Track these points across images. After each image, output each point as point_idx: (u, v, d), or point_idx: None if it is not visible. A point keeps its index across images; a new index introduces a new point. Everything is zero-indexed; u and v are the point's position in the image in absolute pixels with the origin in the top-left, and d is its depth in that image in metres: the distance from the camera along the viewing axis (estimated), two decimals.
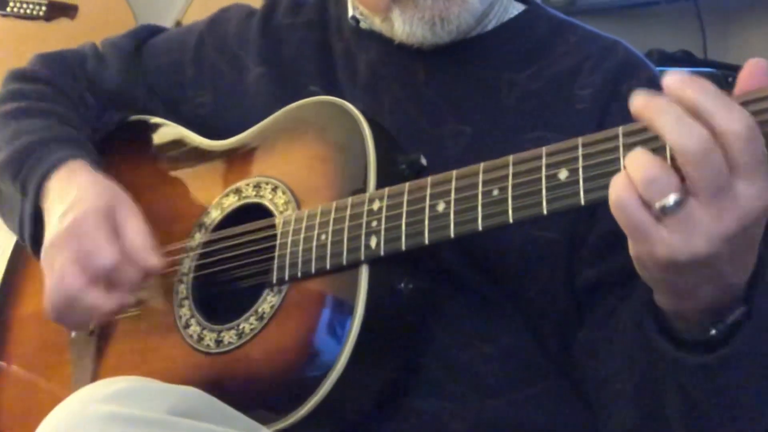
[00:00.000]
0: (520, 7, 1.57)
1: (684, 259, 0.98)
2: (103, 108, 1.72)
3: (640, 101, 0.97)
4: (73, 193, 1.44)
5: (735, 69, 3.07)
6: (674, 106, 0.96)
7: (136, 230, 1.41)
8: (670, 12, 3.84)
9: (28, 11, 3.11)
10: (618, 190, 0.98)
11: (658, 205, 0.96)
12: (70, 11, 3.17)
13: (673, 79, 0.97)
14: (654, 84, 1.42)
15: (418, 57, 1.49)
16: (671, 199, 0.95)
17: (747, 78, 0.98)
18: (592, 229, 1.36)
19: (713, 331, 1.08)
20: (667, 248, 0.97)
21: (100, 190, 1.45)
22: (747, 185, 0.95)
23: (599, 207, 1.32)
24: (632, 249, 1.03)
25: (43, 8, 3.14)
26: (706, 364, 1.09)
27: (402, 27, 1.44)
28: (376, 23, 1.51)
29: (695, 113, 0.95)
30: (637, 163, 0.97)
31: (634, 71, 1.46)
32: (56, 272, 1.39)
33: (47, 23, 3.14)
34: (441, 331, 1.36)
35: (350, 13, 1.58)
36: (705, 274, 1.01)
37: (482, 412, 1.34)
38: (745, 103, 0.96)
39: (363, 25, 1.57)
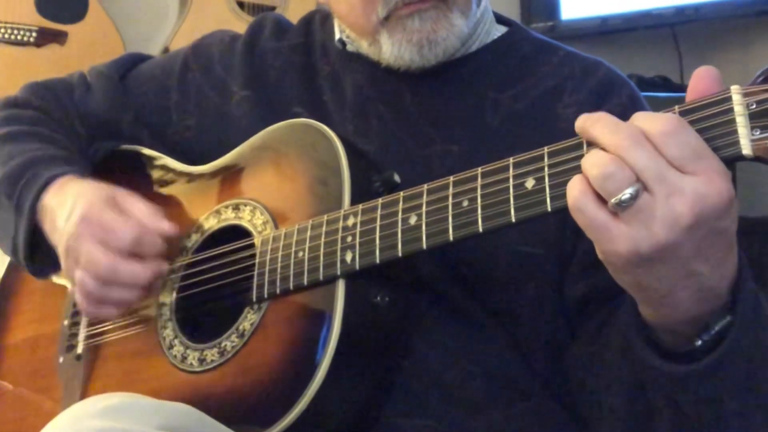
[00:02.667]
0: (502, 29, 1.58)
1: (647, 249, 0.97)
2: (91, 137, 1.72)
3: (579, 120, 1.03)
4: (70, 199, 1.44)
5: None
6: (608, 116, 1.01)
7: (139, 206, 1.42)
8: (648, 38, 3.87)
9: (19, 37, 3.12)
10: (574, 192, 1.00)
11: (614, 200, 0.97)
12: (59, 37, 3.18)
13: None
14: (635, 102, 1.45)
15: (404, 79, 1.50)
16: (627, 192, 0.96)
17: (696, 84, 1.01)
18: (579, 243, 1.36)
19: (699, 342, 1.08)
20: (629, 241, 0.98)
21: (95, 187, 1.46)
22: (689, 176, 0.96)
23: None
24: (598, 251, 1.03)
25: (34, 34, 3.15)
26: (692, 373, 1.09)
27: (390, 50, 1.45)
28: (364, 46, 1.52)
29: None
30: (592, 162, 0.99)
31: (616, 90, 1.47)
32: (85, 259, 1.38)
33: (38, 49, 3.15)
34: (425, 348, 1.36)
35: (337, 36, 1.59)
36: (674, 270, 1.00)
37: (466, 430, 1.34)
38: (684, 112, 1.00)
39: (350, 47, 1.58)
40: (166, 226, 1.41)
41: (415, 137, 1.47)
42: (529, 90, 1.48)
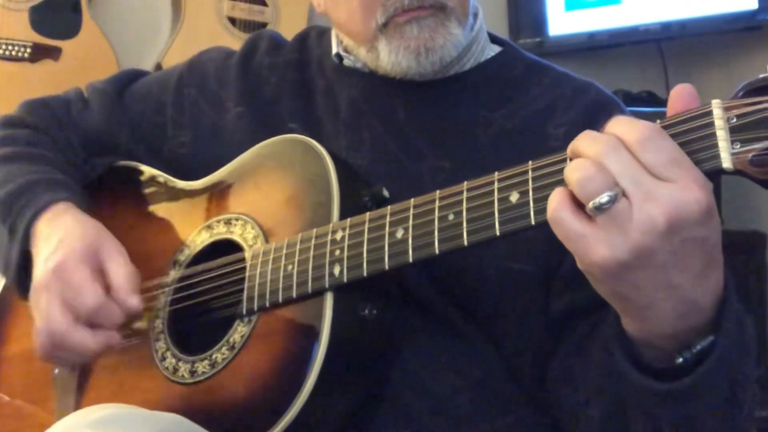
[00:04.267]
0: (496, 49, 1.59)
1: (623, 255, 0.97)
2: (89, 153, 1.72)
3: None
4: (57, 235, 1.44)
5: None
6: (590, 131, 1.02)
7: (118, 270, 1.42)
8: (635, 54, 3.89)
9: (13, 53, 3.13)
10: (553, 204, 1.00)
11: (592, 204, 0.97)
12: (54, 53, 3.19)
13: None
14: None
15: (398, 94, 1.51)
16: (605, 196, 0.96)
17: (675, 102, 1.02)
18: (564, 259, 1.36)
19: (680, 360, 1.07)
20: (606, 248, 0.98)
21: (84, 231, 1.45)
22: (665, 182, 0.97)
23: None
24: (578, 262, 1.03)
25: (28, 50, 3.16)
26: (670, 391, 1.08)
27: (387, 57, 1.45)
28: (362, 54, 1.52)
29: None
30: (573, 167, 1.00)
31: (607, 110, 1.46)
32: (43, 313, 1.39)
33: (32, 65, 3.16)
34: (414, 361, 1.36)
35: (334, 50, 1.60)
36: (653, 279, 1.00)
37: None
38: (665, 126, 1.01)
39: (346, 62, 1.58)
40: (133, 303, 1.40)
41: (407, 152, 1.48)
42: (521, 109, 1.49)
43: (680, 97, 1.02)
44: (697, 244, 0.99)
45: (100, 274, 1.41)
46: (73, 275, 1.39)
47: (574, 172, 0.99)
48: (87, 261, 1.41)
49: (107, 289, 1.41)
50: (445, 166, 1.44)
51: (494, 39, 1.62)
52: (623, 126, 1.00)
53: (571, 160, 1.04)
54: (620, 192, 0.97)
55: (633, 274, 1.00)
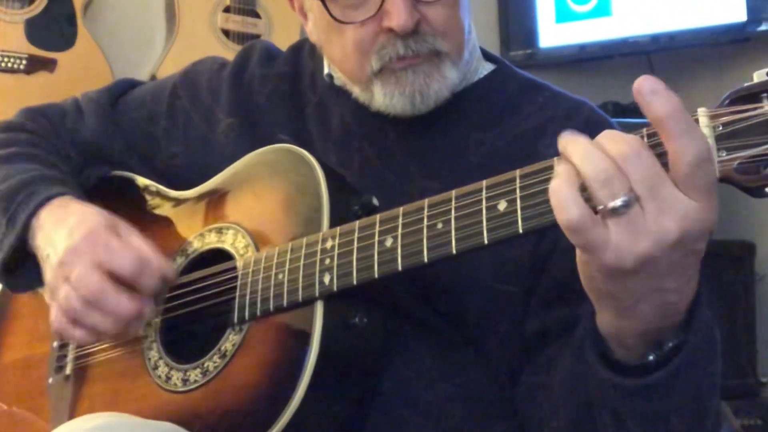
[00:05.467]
0: (489, 67, 1.58)
1: (630, 264, 0.97)
2: (83, 162, 1.72)
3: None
4: (73, 217, 1.43)
5: None
6: (613, 130, 1.01)
7: (140, 242, 1.40)
8: (625, 65, 3.89)
9: (9, 64, 3.14)
10: (570, 212, 0.97)
11: (609, 206, 0.96)
12: (49, 65, 3.19)
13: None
14: None
15: (389, 117, 1.49)
16: (619, 201, 0.95)
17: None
18: (541, 280, 1.37)
19: (651, 357, 1.09)
20: (615, 255, 0.97)
21: (97, 212, 1.45)
22: (683, 195, 0.96)
23: (549, 259, 1.36)
24: (580, 259, 1.02)
25: (24, 62, 3.16)
26: (641, 386, 1.09)
27: (382, 100, 1.45)
28: (356, 91, 1.51)
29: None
30: (594, 163, 0.98)
31: (598, 130, 1.44)
32: (76, 277, 1.36)
33: (28, 76, 3.17)
34: (405, 370, 1.37)
35: (326, 70, 1.59)
36: (646, 283, 1.00)
37: None
38: (651, 134, 1.00)
39: (337, 82, 1.58)
40: (167, 264, 1.39)
41: (397, 174, 1.48)
42: (513, 128, 1.49)
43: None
44: (695, 256, 1.01)
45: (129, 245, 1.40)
46: (108, 240, 1.37)
47: (594, 170, 0.97)
48: (113, 233, 1.40)
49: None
50: (434, 186, 1.41)
51: (487, 56, 1.61)
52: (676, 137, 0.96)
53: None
54: (634, 197, 0.96)
55: (630, 278, 1.00)
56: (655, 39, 3.72)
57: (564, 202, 0.98)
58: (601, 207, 0.97)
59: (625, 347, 1.10)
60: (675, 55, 3.80)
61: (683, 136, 0.95)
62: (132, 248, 1.38)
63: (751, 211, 3.69)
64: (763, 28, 3.54)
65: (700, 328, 1.07)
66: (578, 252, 1.02)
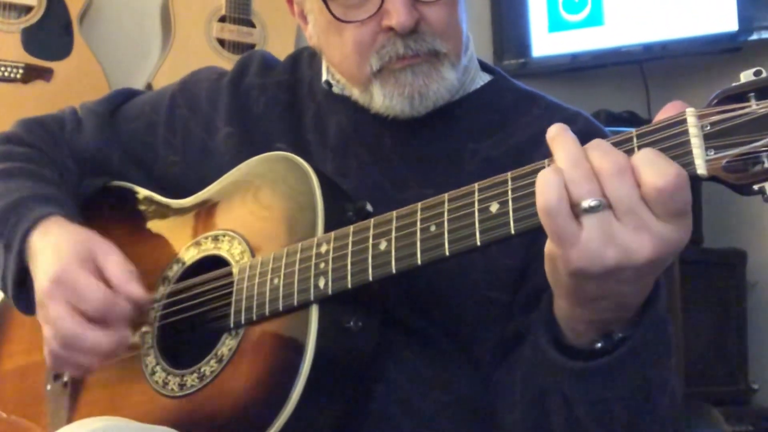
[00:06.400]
0: (486, 77, 1.59)
1: (595, 270, 1.00)
2: (82, 172, 1.72)
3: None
4: (50, 247, 1.44)
5: None
6: (603, 141, 1.04)
7: (114, 266, 1.41)
8: (617, 74, 3.91)
9: (6, 74, 3.13)
10: (549, 197, 1.00)
11: (582, 204, 0.98)
12: (45, 74, 3.19)
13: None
14: None
15: (386, 124, 1.50)
16: (596, 200, 0.98)
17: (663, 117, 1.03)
18: (523, 286, 1.39)
19: (599, 344, 1.12)
20: (580, 257, 1.00)
21: (75, 238, 1.45)
22: (664, 223, 0.98)
23: (531, 264, 1.37)
24: (548, 248, 1.04)
25: (20, 71, 3.16)
26: (584, 369, 1.12)
27: (381, 100, 1.46)
28: (355, 93, 1.52)
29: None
30: (573, 163, 1.01)
31: (593, 140, 1.47)
32: (51, 321, 1.38)
33: (24, 85, 3.16)
34: (399, 377, 1.37)
35: (324, 77, 1.60)
36: (608, 288, 1.03)
37: None
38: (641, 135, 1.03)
39: (335, 89, 1.58)
40: (136, 291, 1.40)
41: (392, 181, 1.49)
42: (508, 139, 1.49)
43: (669, 113, 1.03)
44: (661, 267, 1.04)
45: (100, 274, 1.41)
46: (76, 279, 1.38)
47: (571, 169, 1.00)
48: (84, 264, 1.40)
49: (109, 286, 1.40)
50: (429, 193, 1.41)
51: (484, 67, 1.62)
52: (648, 162, 0.99)
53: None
54: (606, 204, 0.98)
55: (592, 282, 1.03)
56: (648, 48, 3.72)
57: (545, 185, 1.00)
58: (576, 205, 0.99)
59: (576, 332, 1.13)
60: (667, 64, 3.82)
61: (653, 164, 0.98)
62: (97, 284, 1.38)
63: (743, 219, 3.71)
64: (754, 37, 3.55)
65: (651, 324, 1.10)
66: (548, 242, 1.03)
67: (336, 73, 1.56)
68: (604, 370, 1.11)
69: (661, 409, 1.18)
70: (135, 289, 1.40)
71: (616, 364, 1.11)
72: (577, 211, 0.99)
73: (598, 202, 0.98)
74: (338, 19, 1.44)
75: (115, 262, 1.42)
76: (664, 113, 1.03)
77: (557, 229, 1.00)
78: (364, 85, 1.48)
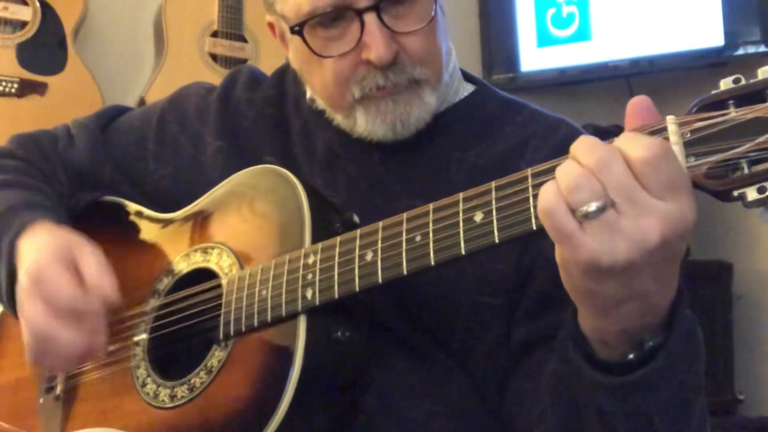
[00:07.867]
0: (469, 88, 1.59)
1: (606, 264, 0.96)
2: (74, 187, 1.72)
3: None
4: (33, 249, 1.43)
5: None
6: (589, 136, 1.01)
7: (88, 262, 1.40)
8: (604, 89, 3.92)
9: (1, 88, 3.15)
10: (548, 196, 0.98)
11: (581, 210, 0.96)
12: (40, 88, 3.21)
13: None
14: None
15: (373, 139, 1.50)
16: (593, 206, 0.95)
17: (632, 116, 1.03)
18: (527, 291, 1.38)
19: (631, 356, 1.08)
20: (589, 252, 0.96)
21: (55, 238, 1.44)
22: (662, 201, 0.96)
23: (532, 271, 1.36)
24: (558, 254, 1.01)
25: (15, 86, 3.18)
26: (620, 384, 1.08)
27: (364, 126, 1.46)
28: (338, 119, 1.52)
29: None
30: (564, 171, 0.98)
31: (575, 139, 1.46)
32: (28, 318, 1.37)
33: (19, 99, 3.18)
34: (389, 386, 1.37)
35: (308, 94, 1.59)
36: (627, 286, 0.99)
37: None
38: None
39: (320, 105, 1.57)
40: (108, 289, 1.38)
41: (381, 194, 1.49)
42: (493, 147, 1.49)
43: (637, 110, 1.03)
44: (675, 257, 1.00)
45: (75, 272, 1.39)
46: (49, 275, 1.37)
47: (563, 178, 0.98)
48: (60, 260, 1.39)
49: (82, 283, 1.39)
50: (418, 205, 1.41)
51: (467, 77, 1.62)
52: (630, 142, 0.97)
53: (532, 176, 1.07)
54: (609, 202, 0.96)
55: (609, 279, 0.99)
56: (635, 63, 3.75)
57: (545, 192, 0.98)
58: (575, 212, 0.97)
59: (606, 345, 1.09)
60: (654, 79, 3.82)
61: (635, 140, 0.97)
62: (69, 283, 1.37)
63: (728, 231, 3.72)
64: (740, 52, 3.58)
65: (682, 329, 1.07)
66: (556, 248, 1.01)
67: (319, 100, 1.56)
68: (641, 384, 1.07)
69: (698, 409, 1.15)
70: (104, 282, 1.38)
71: (653, 375, 1.07)
72: (577, 218, 0.97)
73: (595, 207, 0.95)
74: (317, 54, 1.44)
75: (89, 258, 1.41)
76: (636, 112, 1.03)
77: (558, 229, 0.98)
78: (347, 111, 1.48)
